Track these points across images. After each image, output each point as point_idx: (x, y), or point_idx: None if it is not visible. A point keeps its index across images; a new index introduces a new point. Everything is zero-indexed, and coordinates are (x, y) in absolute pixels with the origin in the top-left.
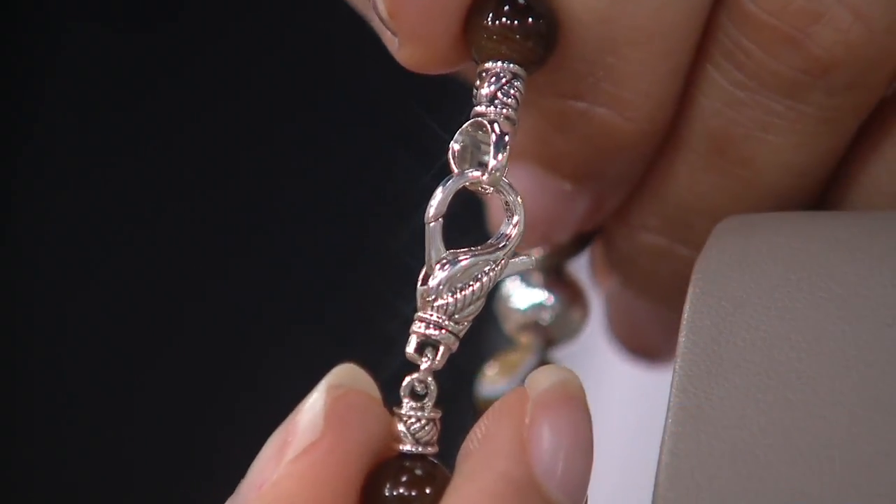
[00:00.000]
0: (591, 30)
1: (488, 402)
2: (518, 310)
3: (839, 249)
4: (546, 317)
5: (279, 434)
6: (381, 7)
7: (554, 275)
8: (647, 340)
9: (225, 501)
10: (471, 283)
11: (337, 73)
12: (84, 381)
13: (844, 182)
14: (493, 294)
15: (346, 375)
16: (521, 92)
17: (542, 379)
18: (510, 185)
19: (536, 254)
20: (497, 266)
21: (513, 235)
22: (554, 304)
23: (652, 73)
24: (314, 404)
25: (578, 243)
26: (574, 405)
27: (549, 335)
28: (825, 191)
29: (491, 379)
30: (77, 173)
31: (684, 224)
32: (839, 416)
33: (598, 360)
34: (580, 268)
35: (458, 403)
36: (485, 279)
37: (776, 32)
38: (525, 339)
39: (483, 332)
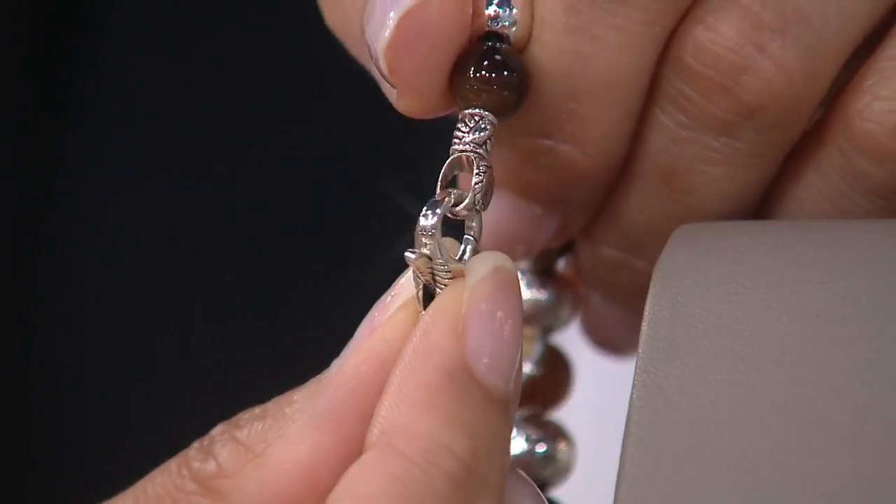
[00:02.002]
0: (556, 81)
1: None
2: None
3: (776, 252)
4: (542, 309)
5: (387, 294)
6: (383, 65)
7: (546, 274)
8: (611, 336)
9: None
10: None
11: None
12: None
13: (773, 204)
14: None
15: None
16: (494, 135)
17: (478, 269)
18: (478, 214)
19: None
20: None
21: (469, 250)
22: (547, 298)
23: (608, 117)
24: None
25: (559, 250)
26: (505, 291)
27: (546, 324)
28: (756, 213)
29: None
30: (118, 174)
31: (639, 241)
32: (776, 392)
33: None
34: (568, 268)
35: None
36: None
37: (712, 82)
38: (528, 329)
39: None
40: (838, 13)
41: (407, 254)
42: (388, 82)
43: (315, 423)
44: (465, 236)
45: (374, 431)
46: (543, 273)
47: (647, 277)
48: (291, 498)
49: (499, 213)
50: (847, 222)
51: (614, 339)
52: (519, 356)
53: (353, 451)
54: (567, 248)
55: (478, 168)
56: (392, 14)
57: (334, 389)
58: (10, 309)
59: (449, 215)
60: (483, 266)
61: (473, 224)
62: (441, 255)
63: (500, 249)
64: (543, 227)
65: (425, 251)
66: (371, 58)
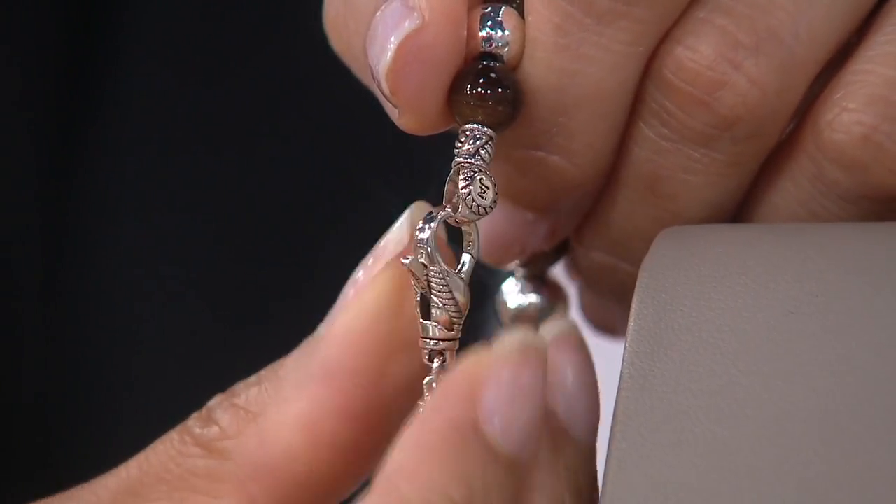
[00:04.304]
0: (546, 96)
1: None
2: (512, 308)
3: (753, 253)
4: (534, 312)
5: (368, 257)
6: (384, 86)
7: (539, 279)
8: (607, 321)
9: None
10: (454, 304)
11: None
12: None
13: (750, 209)
14: (493, 296)
15: (422, 211)
16: (492, 148)
17: (507, 339)
18: (475, 224)
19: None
20: (462, 284)
21: (468, 262)
22: (540, 302)
23: (594, 129)
24: (399, 229)
25: (555, 255)
26: (528, 362)
27: (538, 327)
28: (734, 217)
29: None
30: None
31: (626, 246)
32: (752, 383)
33: None
34: (560, 273)
35: None
36: (457, 295)
37: (691, 97)
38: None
39: (488, 326)
40: (808, 31)
41: (402, 259)
42: (391, 102)
43: (311, 380)
44: (464, 252)
45: (382, 469)
46: (537, 279)
47: (634, 279)
48: (293, 450)
49: (493, 219)
50: (819, 226)
51: (611, 323)
52: (537, 424)
53: (352, 404)
54: (560, 256)
55: (464, 175)
56: (392, 39)
57: (327, 347)
58: (30, 305)
59: (453, 223)
60: (512, 338)
61: (472, 235)
62: (437, 265)
63: (495, 251)
64: (534, 232)
65: (421, 259)
66: (374, 79)
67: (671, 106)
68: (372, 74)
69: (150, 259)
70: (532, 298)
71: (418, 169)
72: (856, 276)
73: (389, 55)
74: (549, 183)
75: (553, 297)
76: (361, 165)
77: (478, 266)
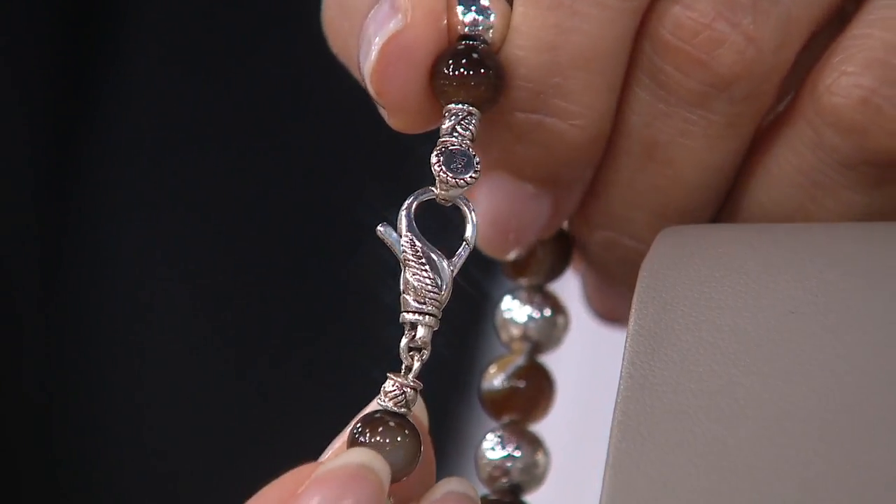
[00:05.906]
0: (541, 55)
1: (490, 393)
2: (511, 323)
3: (753, 253)
4: (534, 328)
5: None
6: (371, 88)
7: (539, 295)
8: (613, 308)
9: None
10: (428, 276)
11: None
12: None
13: (749, 180)
14: (492, 311)
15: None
16: (472, 123)
17: (346, 454)
18: (465, 199)
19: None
20: (450, 262)
21: (461, 249)
22: (540, 318)
23: (591, 89)
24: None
25: (557, 269)
26: (353, 485)
27: (536, 340)
28: (734, 184)
29: (491, 376)
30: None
31: (626, 218)
32: (752, 382)
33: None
34: (560, 287)
35: (468, 392)
36: (442, 273)
37: (688, 56)
38: (517, 346)
39: (487, 343)
40: None
41: (378, 228)
42: (378, 103)
43: None
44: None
45: None
46: (537, 292)
47: (635, 254)
48: None
49: (493, 196)
50: (819, 226)
51: (615, 315)
52: None
53: None
54: (562, 269)
55: (437, 151)
56: (377, 39)
57: None
58: (30, 305)
59: (442, 203)
60: (349, 455)
61: (467, 219)
62: (409, 234)
63: (495, 234)
64: (536, 207)
65: (396, 232)
66: (362, 80)
67: (668, 67)
68: (360, 75)
69: (151, 259)
70: (532, 312)
71: (419, 167)
72: (856, 276)
73: (373, 55)
74: (549, 148)
75: (553, 311)
76: (364, 164)
77: (479, 277)
